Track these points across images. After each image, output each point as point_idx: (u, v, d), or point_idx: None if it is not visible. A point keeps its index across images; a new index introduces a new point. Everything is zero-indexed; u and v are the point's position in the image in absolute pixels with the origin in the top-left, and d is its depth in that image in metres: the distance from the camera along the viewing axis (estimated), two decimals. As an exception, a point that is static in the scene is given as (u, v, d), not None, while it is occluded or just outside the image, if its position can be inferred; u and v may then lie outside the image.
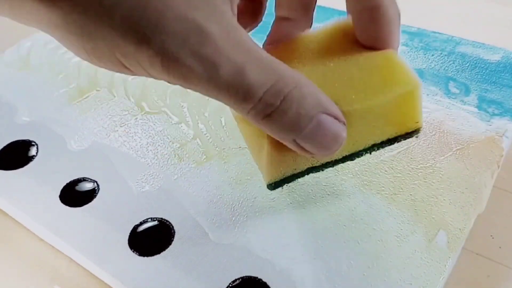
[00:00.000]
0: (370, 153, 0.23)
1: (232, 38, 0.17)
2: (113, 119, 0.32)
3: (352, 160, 0.23)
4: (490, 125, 0.30)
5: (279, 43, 0.23)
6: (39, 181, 0.28)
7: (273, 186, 0.22)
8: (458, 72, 0.34)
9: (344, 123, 0.19)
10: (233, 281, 0.23)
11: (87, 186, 0.28)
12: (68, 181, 0.28)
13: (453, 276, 0.25)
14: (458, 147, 0.29)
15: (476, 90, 0.33)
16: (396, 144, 0.29)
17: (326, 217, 0.25)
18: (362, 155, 0.22)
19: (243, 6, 0.22)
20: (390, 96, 0.20)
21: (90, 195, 0.27)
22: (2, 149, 0.30)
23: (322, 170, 0.23)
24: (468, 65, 0.35)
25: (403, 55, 0.36)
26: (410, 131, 0.22)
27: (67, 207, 0.27)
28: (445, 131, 0.30)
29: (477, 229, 0.26)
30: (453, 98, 0.32)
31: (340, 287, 0.22)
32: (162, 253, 0.24)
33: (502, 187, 0.29)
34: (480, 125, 0.30)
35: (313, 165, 0.22)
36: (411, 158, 0.28)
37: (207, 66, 0.16)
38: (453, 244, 0.24)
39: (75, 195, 0.27)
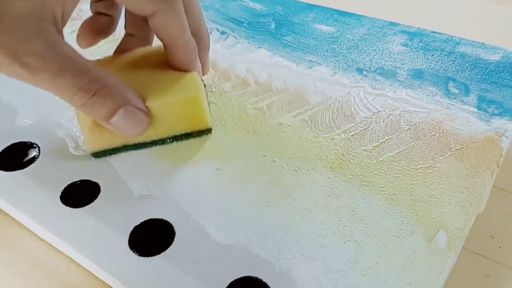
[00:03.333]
0: (175, 141, 0.30)
1: (53, 49, 0.23)
2: (113, 120, 0.32)
3: (159, 144, 0.30)
4: (490, 125, 0.30)
5: (123, 52, 0.30)
6: (40, 183, 0.28)
7: (95, 155, 0.29)
8: (458, 72, 0.35)
9: (146, 113, 0.27)
10: (233, 281, 0.23)
11: (88, 187, 0.28)
12: (69, 183, 0.28)
13: (453, 276, 0.25)
14: (457, 147, 0.29)
15: (476, 90, 0.33)
16: (395, 145, 0.29)
17: (326, 217, 0.25)
18: (167, 142, 0.30)
19: (93, 20, 0.30)
20: (175, 98, 0.28)
21: (91, 197, 0.27)
22: (3, 150, 0.30)
23: (136, 149, 0.30)
24: (468, 65, 0.35)
25: (403, 55, 0.36)
26: (202, 129, 0.30)
27: (68, 208, 0.27)
28: (445, 131, 0.30)
29: (477, 229, 0.26)
30: (452, 98, 0.32)
31: (340, 287, 0.23)
32: (162, 253, 0.24)
33: (502, 187, 0.29)
34: (480, 125, 0.30)
35: (128, 144, 0.29)
36: (410, 158, 0.28)
37: (32, 70, 0.22)
38: (452, 244, 0.24)
39: (76, 196, 0.27)
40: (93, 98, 0.24)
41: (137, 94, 0.26)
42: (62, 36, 0.24)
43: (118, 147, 0.29)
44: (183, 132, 0.30)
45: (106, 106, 0.25)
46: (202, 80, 0.29)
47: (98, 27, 0.30)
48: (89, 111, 0.25)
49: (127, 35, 0.31)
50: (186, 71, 0.28)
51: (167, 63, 0.29)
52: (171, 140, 0.30)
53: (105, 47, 0.33)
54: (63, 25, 0.25)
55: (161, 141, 0.30)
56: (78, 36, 0.30)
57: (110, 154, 0.29)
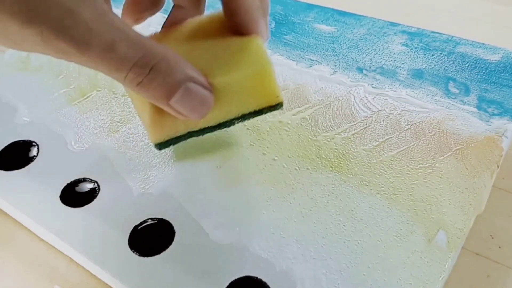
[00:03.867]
0: (243, 121, 0.27)
1: (102, 20, 0.20)
2: (113, 119, 0.32)
3: (227, 127, 0.27)
4: (490, 125, 0.30)
5: (173, 27, 0.27)
6: (39, 182, 0.28)
7: (159, 146, 0.26)
8: (458, 72, 0.35)
9: (210, 90, 0.23)
10: (233, 281, 0.23)
11: (88, 186, 0.28)
12: (68, 182, 0.28)
13: (453, 276, 0.25)
14: (457, 147, 0.29)
15: (476, 90, 0.33)
16: (395, 144, 0.29)
17: (326, 217, 0.25)
18: (234, 123, 0.27)
19: None
20: (244, 72, 0.24)
21: (90, 196, 0.27)
22: (3, 149, 0.30)
23: (202, 135, 0.27)
24: (468, 65, 0.35)
25: (403, 55, 0.36)
26: (272, 104, 0.26)
27: (68, 207, 0.27)
28: (445, 131, 0.30)
29: (477, 229, 0.26)
30: (452, 98, 0.32)
31: (340, 287, 0.23)
32: (162, 253, 0.24)
33: (502, 187, 0.29)
34: (480, 125, 0.30)
35: (193, 130, 0.26)
36: (410, 158, 0.28)
37: (79, 44, 0.19)
38: (453, 244, 0.24)
39: (75, 195, 0.27)
40: (149, 74, 0.21)
41: (198, 70, 0.23)
42: (110, 5, 0.21)
43: (183, 135, 0.26)
44: (252, 110, 0.26)
45: (165, 83, 0.21)
46: None
47: (145, 1, 0.27)
48: (145, 91, 0.21)
49: (176, 7, 0.28)
50: (248, 33, 0.25)
51: (226, 30, 0.25)
52: (239, 120, 0.26)
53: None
54: None
55: (229, 123, 0.26)
56: (123, 11, 0.26)
57: (174, 143, 0.27)
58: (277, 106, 0.27)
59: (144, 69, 0.21)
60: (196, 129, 0.26)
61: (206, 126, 0.26)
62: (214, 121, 0.26)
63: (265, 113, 0.27)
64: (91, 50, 0.20)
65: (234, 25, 0.25)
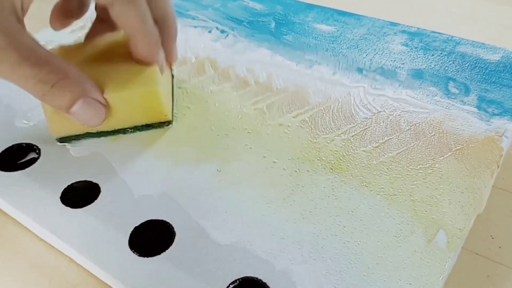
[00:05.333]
0: (135, 132, 0.31)
1: (14, 39, 0.24)
2: (113, 120, 0.32)
3: (121, 133, 0.31)
4: (490, 125, 0.30)
5: (94, 37, 0.31)
6: (40, 183, 0.28)
7: (60, 140, 0.31)
8: (458, 72, 0.35)
9: (103, 104, 0.27)
10: (233, 281, 0.23)
11: (88, 188, 0.28)
12: (69, 183, 0.28)
13: (452, 276, 0.25)
14: (457, 147, 0.29)
15: (476, 90, 0.33)
16: (395, 145, 0.29)
17: (326, 218, 0.25)
18: (128, 132, 0.31)
19: (65, 2, 0.30)
20: (134, 91, 0.28)
21: (91, 197, 0.27)
22: (3, 151, 0.30)
23: (99, 137, 0.31)
24: (468, 65, 0.35)
25: (403, 55, 0.36)
26: (161, 121, 0.31)
27: (68, 208, 0.27)
28: (445, 131, 0.30)
29: (477, 229, 0.26)
30: (452, 98, 0.32)
31: (340, 287, 0.23)
32: (162, 254, 0.24)
33: (502, 187, 0.29)
34: (480, 125, 0.30)
35: (90, 131, 0.30)
36: (410, 158, 0.28)
37: None
38: (452, 244, 0.24)
39: (76, 197, 0.27)
40: (52, 89, 0.25)
41: (97, 85, 0.27)
42: (23, 26, 0.25)
43: (81, 134, 0.30)
44: (143, 123, 0.31)
45: (65, 97, 0.25)
46: (171, 70, 0.30)
47: (69, 9, 0.30)
48: (49, 101, 0.26)
49: (98, 19, 0.31)
50: (147, 63, 0.29)
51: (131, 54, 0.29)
52: (131, 130, 0.31)
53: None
54: (24, 14, 0.25)
55: (122, 131, 0.31)
56: (50, 18, 0.30)
57: (74, 140, 0.30)
58: (166, 123, 0.31)
59: (47, 84, 0.24)
60: (94, 131, 0.30)
61: (102, 131, 0.30)
62: (109, 128, 0.30)
63: (156, 128, 0.31)
64: (3, 66, 0.23)
65: (135, 54, 0.29)
